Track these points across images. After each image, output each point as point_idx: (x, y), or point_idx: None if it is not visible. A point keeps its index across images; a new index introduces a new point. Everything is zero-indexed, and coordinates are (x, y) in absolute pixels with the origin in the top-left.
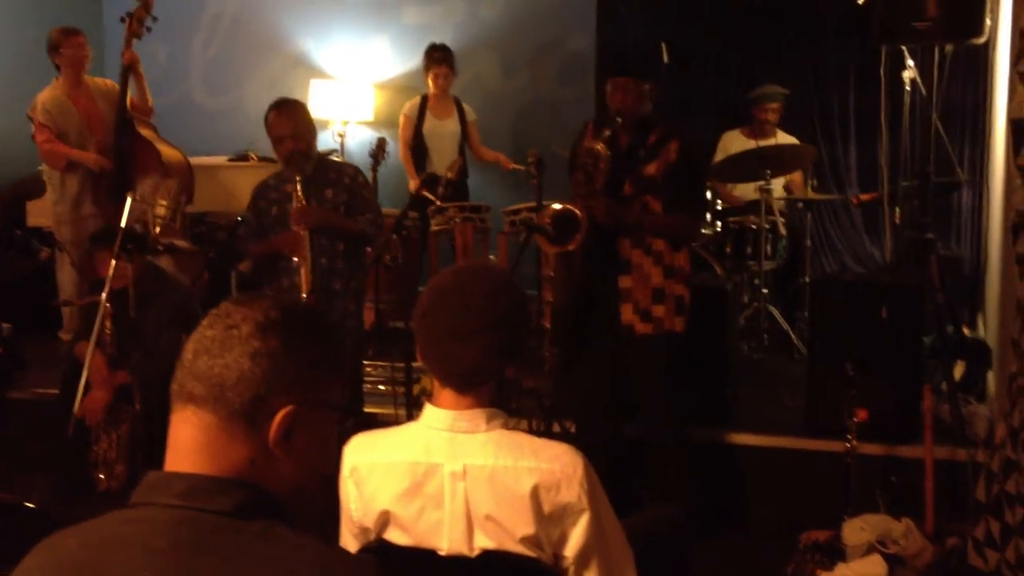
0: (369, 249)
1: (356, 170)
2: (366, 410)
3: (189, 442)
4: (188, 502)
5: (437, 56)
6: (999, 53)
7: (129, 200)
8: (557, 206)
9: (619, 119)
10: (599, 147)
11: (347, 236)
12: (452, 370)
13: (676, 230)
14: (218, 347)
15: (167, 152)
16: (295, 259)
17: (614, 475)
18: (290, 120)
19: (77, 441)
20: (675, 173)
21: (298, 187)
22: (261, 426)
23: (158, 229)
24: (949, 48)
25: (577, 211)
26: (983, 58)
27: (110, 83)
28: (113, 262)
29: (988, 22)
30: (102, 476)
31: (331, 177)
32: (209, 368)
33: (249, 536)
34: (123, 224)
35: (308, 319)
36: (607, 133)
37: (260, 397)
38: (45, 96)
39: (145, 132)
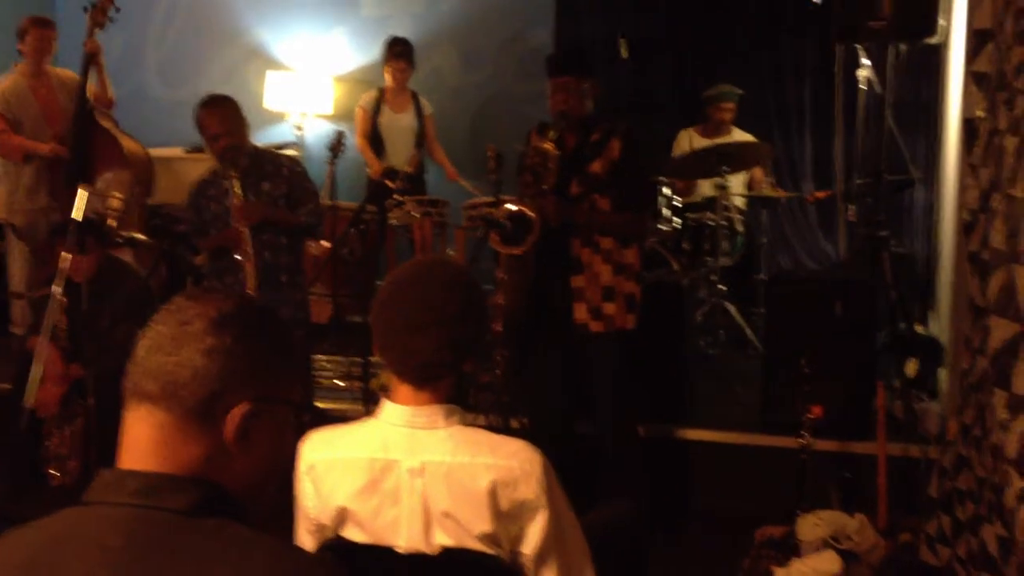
0: (327, 243)
1: (294, 161)
2: (323, 406)
3: (143, 440)
4: (142, 500)
5: (397, 50)
6: (952, 53)
7: (80, 192)
8: (511, 206)
9: (563, 119)
10: (548, 147)
11: (289, 229)
12: (409, 363)
13: (625, 227)
14: (171, 344)
15: (128, 144)
16: (238, 256)
17: (569, 472)
18: (220, 117)
19: (29, 436)
20: (619, 170)
21: (235, 184)
22: (216, 423)
23: (112, 222)
24: (903, 47)
25: (530, 212)
26: (937, 58)
27: (73, 74)
28: (69, 256)
29: (941, 22)
30: (54, 472)
31: (267, 170)
32: (162, 366)
33: (204, 534)
34: (74, 216)
35: (262, 314)
36: (552, 133)
37: (215, 395)
38: (5, 84)
39: (106, 123)
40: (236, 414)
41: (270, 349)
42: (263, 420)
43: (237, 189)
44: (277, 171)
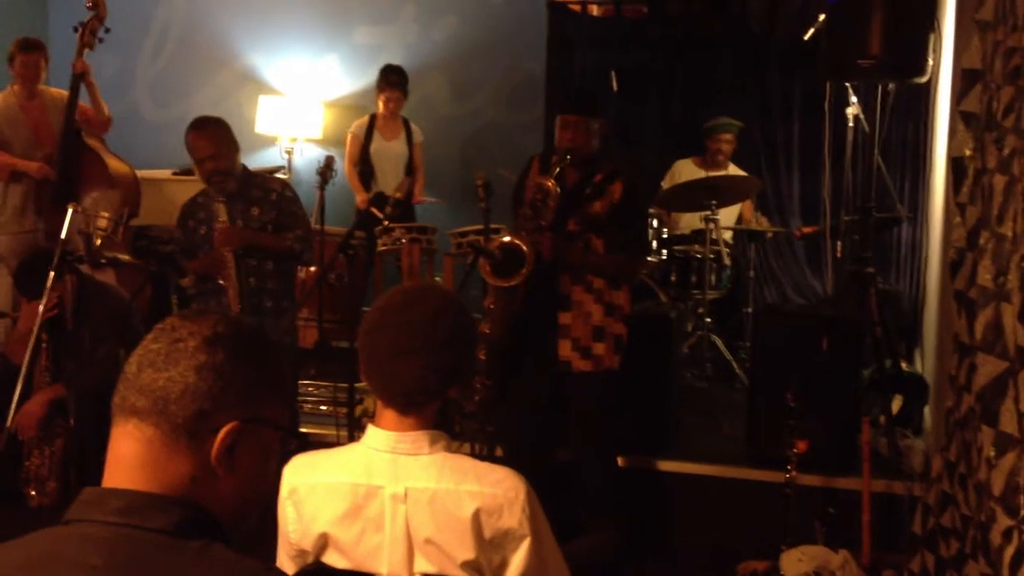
0: (313, 268)
1: (283, 185)
2: (307, 431)
3: (129, 457)
4: (125, 519)
5: (393, 80)
6: (941, 92)
7: (70, 212)
8: (506, 239)
9: (569, 156)
10: (550, 184)
11: (274, 255)
12: (395, 388)
13: (616, 269)
14: (163, 360)
15: (114, 164)
16: (221, 280)
17: (549, 502)
18: (208, 140)
19: (8, 456)
20: (618, 212)
21: (221, 209)
22: (203, 442)
23: (99, 241)
24: (892, 86)
25: (524, 246)
26: (925, 97)
27: (66, 94)
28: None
29: (930, 62)
30: (33, 493)
31: (256, 195)
32: (153, 381)
33: (186, 555)
34: (63, 236)
35: (254, 337)
36: (556, 170)
37: (204, 412)
38: None
39: (93, 143)
40: (223, 433)
41: (261, 372)
42: (249, 441)
43: (223, 215)
44: (266, 196)
